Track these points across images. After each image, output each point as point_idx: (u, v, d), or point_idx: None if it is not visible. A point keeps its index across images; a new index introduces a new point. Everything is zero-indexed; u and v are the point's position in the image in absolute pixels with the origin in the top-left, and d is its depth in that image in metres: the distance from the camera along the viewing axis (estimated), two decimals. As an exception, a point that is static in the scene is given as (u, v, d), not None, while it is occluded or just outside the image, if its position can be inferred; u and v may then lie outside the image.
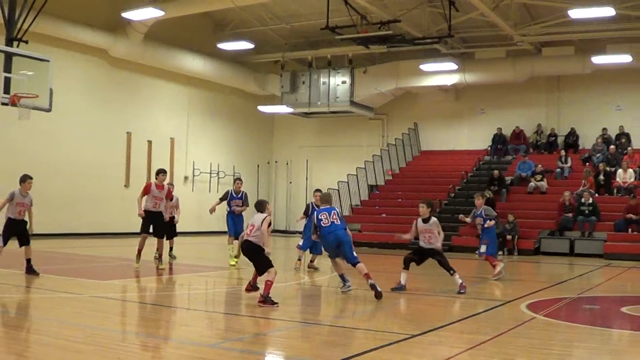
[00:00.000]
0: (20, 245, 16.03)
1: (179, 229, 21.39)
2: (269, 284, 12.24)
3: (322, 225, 14.63)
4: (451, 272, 15.03)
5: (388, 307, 13.20)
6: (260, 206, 13.01)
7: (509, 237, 27.45)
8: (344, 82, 35.85)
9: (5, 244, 15.83)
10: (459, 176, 34.10)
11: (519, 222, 27.88)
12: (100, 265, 20.11)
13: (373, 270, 14.38)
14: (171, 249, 20.70)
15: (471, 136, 37.53)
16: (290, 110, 37.65)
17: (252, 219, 12.80)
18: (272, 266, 12.49)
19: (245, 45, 35.29)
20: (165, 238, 19.02)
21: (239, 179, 21.70)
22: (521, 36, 31.42)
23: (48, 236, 26.60)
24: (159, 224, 18.26)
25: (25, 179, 16.11)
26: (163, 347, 9.24)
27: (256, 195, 36.22)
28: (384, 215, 32.68)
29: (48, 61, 19.46)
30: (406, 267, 15.47)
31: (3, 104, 18.65)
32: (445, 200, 32.22)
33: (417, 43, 30.92)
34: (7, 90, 18.44)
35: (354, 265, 14.31)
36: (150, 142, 35.31)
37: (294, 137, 42.71)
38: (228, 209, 20.65)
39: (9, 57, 18.66)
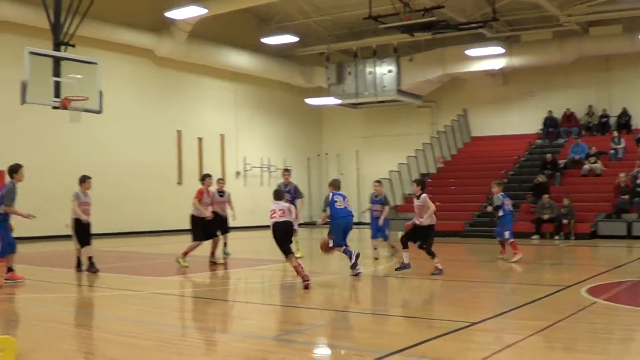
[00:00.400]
0: (84, 245, 16.42)
1: (232, 223, 21.39)
2: (299, 268, 13.45)
3: (336, 207, 15.07)
4: (431, 256, 15.71)
5: (445, 295, 13.15)
6: (281, 195, 14.25)
7: (564, 221, 27.07)
8: (390, 71, 35.69)
9: (83, 245, 16.39)
10: (511, 161, 33.73)
11: (575, 205, 27.49)
12: (157, 263, 20.28)
13: (427, 259, 14.42)
14: (225, 244, 20.73)
15: (521, 120, 37.07)
16: (338, 101, 37.59)
17: (272, 204, 13.90)
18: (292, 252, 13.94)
19: (289, 38, 35.30)
20: (220, 234, 19.13)
21: (286, 170, 21.38)
22: (567, 16, 31.02)
23: (102, 235, 26.89)
24: (212, 225, 18.36)
25: (85, 179, 16.64)
26: (224, 340, 9.28)
27: (308, 188, 36.24)
28: (437, 203, 32.33)
29: (96, 64, 19.58)
30: (405, 246, 16.04)
31: (54, 107, 18.81)
32: (499, 186, 31.93)
33: (461, 28, 30.68)
34: (57, 94, 18.59)
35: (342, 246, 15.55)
36: (200, 139, 35.51)
37: (343, 128, 42.66)
38: None
39: (57, 61, 18.82)
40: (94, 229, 16.79)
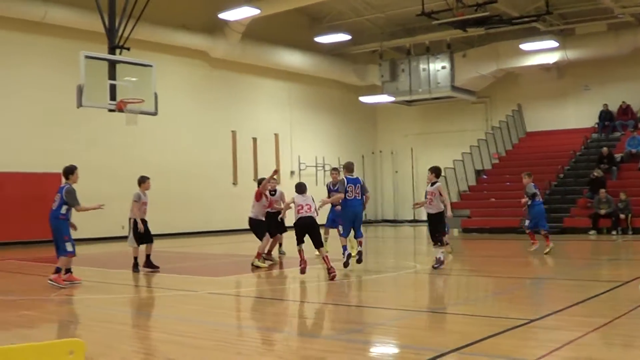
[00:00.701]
0: (147, 243, 16.92)
1: (288, 222, 21.43)
2: (327, 258, 14.57)
3: (348, 197, 15.10)
4: (435, 242, 15.82)
5: (503, 292, 13.07)
6: (304, 188, 14.89)
7: (622, 215, 26.80)
8: (443, 68, 35.63)
9: (146, 242, 16.90)
10: (567, 156, 33.42)
11: (632, 199, 27.17)
12: (213, 263, 20.43)
13: (485, 256, 14.32)
14: (280, 245, 20.73)
15: (577, 114, 36.69)
16: (392, 99, 37.60)
17: (299, 198, 14.63)
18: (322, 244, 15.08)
19: (342, 37, 35.37)
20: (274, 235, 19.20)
21: (334, 169, 21.22)
22: (622, 8, 30.67)
23: (158, 236, 27.15)
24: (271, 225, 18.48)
25: (145, 179, 17.11)
26: (282, 340, 9.31)
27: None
28: (493, 199, 32.30)
29: (151, 66, 19.77)
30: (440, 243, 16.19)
31: (110, 110, 19.03)
32: (555, 182, 31.64)
33: (515, 23, 30.53)
34: (113, 97, 18.80)
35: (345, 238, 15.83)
36: (255, 139, 35.72)
37: (397, 125, 42.63)
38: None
39: (112, 64, 19.03)
40: (151, 229, 17.01)
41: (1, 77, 26.64)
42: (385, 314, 10.96)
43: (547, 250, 18.79)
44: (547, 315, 9.92)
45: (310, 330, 9.74)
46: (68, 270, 14.66)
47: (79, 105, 18.11)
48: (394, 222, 41.58)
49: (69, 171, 14.88)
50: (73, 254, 14.43)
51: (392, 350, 8.57)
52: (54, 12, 26.89)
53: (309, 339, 9.11)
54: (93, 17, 22.49)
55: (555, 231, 27.56)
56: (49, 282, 14.09)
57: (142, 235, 16.75)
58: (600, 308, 10.83)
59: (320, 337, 9.24)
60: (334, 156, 39.97)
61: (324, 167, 39.26)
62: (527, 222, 19.72)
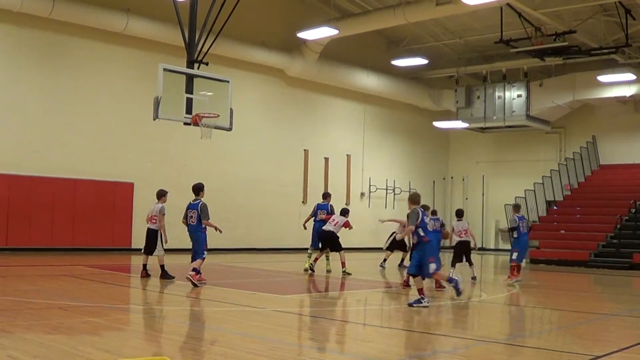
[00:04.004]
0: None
1: (355, 244, 21.69)
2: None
3: (427, 229, 14.61)
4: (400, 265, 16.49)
5: (567, 325, 12.94)
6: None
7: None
8: (519, 96, 35.39)
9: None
10: (640, 190, 32.99)
11: None
12: (280, 280, 20.52)
13: (552, 288, 14.14)
14: (342, 264, 21.01)
15: (653, 149, 36.21)
16: (466, 125, 37.46)
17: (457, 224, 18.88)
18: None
19: (419, 61, 35.35)
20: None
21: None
22: (701, 43, 30.21)
23: (227, 250, 27.46)
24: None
25: (166, 193, 18.42)
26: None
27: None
28: (562, 231, 31.96)
29: (228, 82, 19.95)
30: (452, 264, 19.00)
31: (185, 123, 19.21)
32: (626, 216, 31.18)
33: (593, 54, 30.27)
34: (189, 110, 18.98)
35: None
36: (327, 159, 35.84)
37: (470, 152, 42.41)
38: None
39: (190, 78, 19.22)
40: (220, 244, 17.39)
41: (81, 85, 27.14)
42: (450, 342, 10.91)
43: (515, 281, 19.38)
44: (614, 352, 9.80)
45: (372, 354, 9.71)
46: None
47: (155, 117, 18.32)
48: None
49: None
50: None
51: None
52: (134, 24, 27.35)
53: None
54: (173, 31, 22.92)
55: (624, 267, 27.28)
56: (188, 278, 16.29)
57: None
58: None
59: (381, 360, 9.23)
60: (405, 180, 39.93)
61: (394, 190, 39.21)
62: (515, 255, 19.81)
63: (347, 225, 21.14)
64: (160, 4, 26.42)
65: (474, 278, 19.92)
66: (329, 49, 32.76)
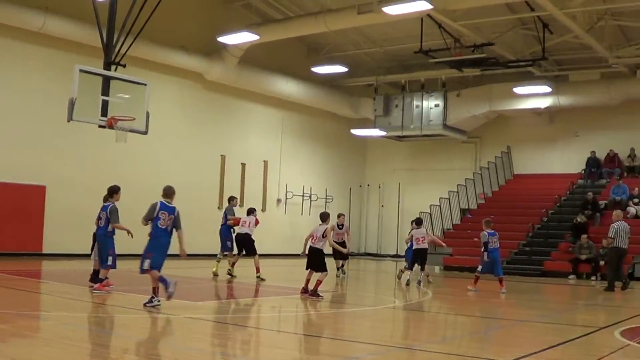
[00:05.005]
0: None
1: (270, 250, 21.75)
2: (319, 283, 16.19)
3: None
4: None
5: (478, 331, 13.10)
6: (324, 217, 16.98)
7: (602, 262, 26.75)
8: (437, 106, 35.79)
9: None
10: (553, 200, 33.58)
11: (613, 247, 27.24)
12: (192, 287, 20.31)
13: (463, 295, 14.33)
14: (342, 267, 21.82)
15: (565, 160, 36.86)
16: (383, 133, 37.70)
17: (314, 229, 16.87)
18: (326, 270, 16.49)
19: (339, 68, 35.48)
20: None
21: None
22: (616, 58, 30.90)
23: (139, 256, 27.08)
24: None
25: (118, 190, 17.44)
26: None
27: (348, 218, 36.25)
28: (476, 239, 32.18)
29: (145, 85, 19.76)
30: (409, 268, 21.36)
31: (100, 126, 18.96)
32: (539, 225, 31.77)
33: (510, 66, 30.79)
34: (104, 112, 18.73)
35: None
36: (244, 165, 35.70)
37: (387, 160, 42.68)
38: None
39: (107, 80, 18.98)
40: (134, 249, 17.05)
41: (-3, 85, 26.56)
42: (360, 348, 10.95)
43: (473, 290, 20.27)
44: (521, 358, 9.94)
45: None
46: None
47: (70, 119, 18.04)
48: (377, 256, 41.57)
49: (114, 191, 16.83)
50: (113, 266, 16.22)
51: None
52: (52, 23, 26.72)
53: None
54: (91, 31, 22.55)
55: (535, 274, 27.78)
56: (94, 292, 15.50)
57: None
58: (575, 352, 10.88)
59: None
60: (321, 187, 39.99)
61: (310, 197, 39.22)
62: (480, 267, 20.80)
63: (257, 222, 21.59)
64: (80, 3, 25.75)
65: (419, 282, 20.79)
66: (249, 54, 32.63)
